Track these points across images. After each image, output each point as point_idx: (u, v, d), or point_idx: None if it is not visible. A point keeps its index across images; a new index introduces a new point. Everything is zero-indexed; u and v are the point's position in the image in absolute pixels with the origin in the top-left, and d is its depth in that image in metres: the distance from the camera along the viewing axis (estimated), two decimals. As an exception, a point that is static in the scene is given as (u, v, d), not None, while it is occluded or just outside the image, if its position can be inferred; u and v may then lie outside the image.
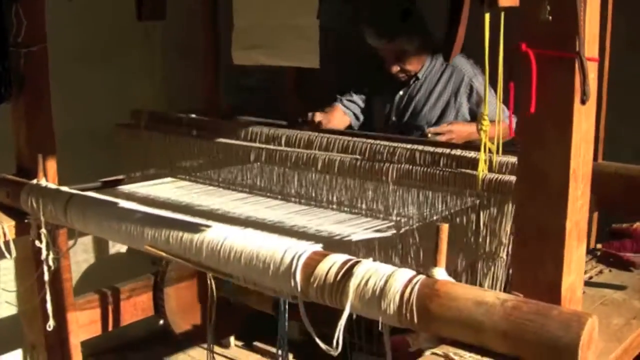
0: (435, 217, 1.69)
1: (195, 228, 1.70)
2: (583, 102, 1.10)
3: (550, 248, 1.21)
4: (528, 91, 1.16)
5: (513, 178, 1.53)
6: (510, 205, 1.54)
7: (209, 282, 2.66)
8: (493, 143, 1.55)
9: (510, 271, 1.58)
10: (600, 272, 1.68)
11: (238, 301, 2.94)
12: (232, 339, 3.61)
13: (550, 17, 1.12)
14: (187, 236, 1.70)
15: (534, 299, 1.22)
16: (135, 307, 2.88)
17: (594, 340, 1.16)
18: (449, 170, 1.64)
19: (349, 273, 1.39)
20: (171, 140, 2.32)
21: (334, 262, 1.44)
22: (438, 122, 2.78)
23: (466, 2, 1.16)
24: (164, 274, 2.91)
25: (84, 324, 2.67)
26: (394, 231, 1.71)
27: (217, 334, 3.32)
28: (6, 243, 2.25)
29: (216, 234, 1.66)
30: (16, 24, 2.25)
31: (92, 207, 2.00)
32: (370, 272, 1.38)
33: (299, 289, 1.47)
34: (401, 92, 2.91)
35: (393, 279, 1.34)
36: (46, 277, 2.25)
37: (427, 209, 1.71)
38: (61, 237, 2.36)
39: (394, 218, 1.77)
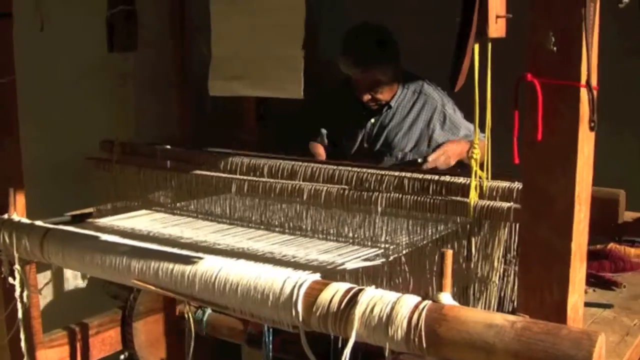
0: (426, 243, 1.72)
1: (186, 260, 1.69)
2: (592, 129, 1.15)
3: (556, 269, 1.25)
4: (534, 119, 1.20)
5: (504, 204, 1.57)
6: (503, 230, 1.58)
7: (186, 315, 2.63)
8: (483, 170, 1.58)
9: (503, 294, 1.61)
10: (585, 292, 1.73)
11: (209, 334, 2.90)
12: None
13: (555, 48, 1.17)
14: (178, 268, 1.69)
15: (540, 319, 1.25)
16: (104, 343, 2.81)
17: (602, 357, 1.20)
18: (440, 198, 1.67)
19: (353, 301, 1.41)
20: (146, 173, 2.29)
21: (336, 290, 1.45)
22: (413, 149, 2.84)
23: (472, 36, 1.20)
24: (132, 308, 2.85)
25: (53, 362, 2.59)
26: (384, 259, 1.73)
27: (186, 368, 3.27)
28: (-25, 281, 2.19)
29: (209, 266, 1.65)
30: (-18, 57, 2.21)
31: (71, 241, 1.96)
32: (375, 299, 1.39)
33: (301, 318, 1.47)
34: (372, 120, 2.96)
35: (399, 306, 1.36)
36: (20, 314, 2.19)
37: (416, 236, 1.74)
38: (31, 274, 2.30)
39: (383, 245, 1.79)
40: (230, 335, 2.88)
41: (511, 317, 1.26)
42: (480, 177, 1.58)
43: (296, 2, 1.84)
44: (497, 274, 1.60)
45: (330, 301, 1.44)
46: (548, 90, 1.19)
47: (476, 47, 1.35)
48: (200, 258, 1.68)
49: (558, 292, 1.25)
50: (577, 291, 1.28)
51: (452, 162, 2.72)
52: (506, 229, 1.58)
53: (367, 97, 2.87)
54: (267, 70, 1.92)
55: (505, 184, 1.60)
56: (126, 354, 3.63)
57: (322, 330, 1.47)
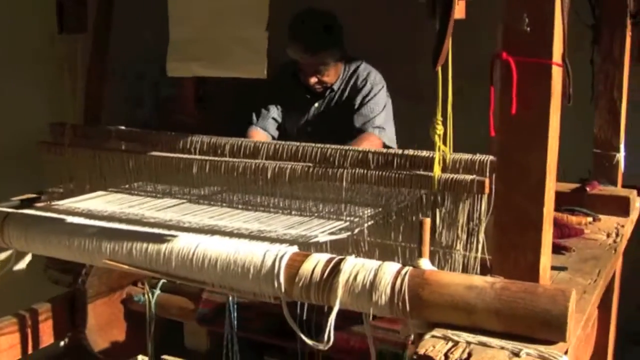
0: (391, 215, 1.80)
1: (160, 238, 1.71)
2: (569, 102, 1.26)
3: (530, 234, 1.35)
4: (508, 95, 1.30)
5: (467, 176, 1.66)
6: (466, 201, 1.67)
7: (145, 296, 2.64)
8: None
9: (466, 262, 1.71)
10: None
11: (159, 315, 2.91)
12: (139, 356, 3.54)
13: (529, 28, 1.26)
14: (152, 247, 1.71)
15: (514, 280, 1.36)
16: (55, 327, 2.78)
17: (574, 311, 1.31)
18: (404, 172, 1.75)
19: (336, 270, 1.47)
20: (101, 156, 2.27)
21: (317, 261, 1.51)
22: (350, 127, 2.91)
23: (451, 20, 1.28)
24: (81, 292, 2.83)
25: (4, 349, 2.55)
26: (350, 232, 1.79)
27: (134, 350, 3.28)
28: None
29: (186, 243, 1.68)
30: None
31: (35, 225, 1.94)
32: (358, 267, 1.47)
33: (283, 289, 1.53)
34: (316, 104, 3.02)
35: (382, 272, 1.43)
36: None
37: (381, 209, 1.82)
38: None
39: (349, 219, 1.86)
40: (180, 315, 2.90)
41: (490, 279, 1.36)
42: (443, 151, 1.67)
43: (259, -16, 1.88)
44: (461, 242, 1.69)
45: (313, 271, 1.50)
46: (522, 67, 1.29)
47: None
48: (174, 236, 1.71)
49: (531, 254, 1.36)
50: (547, 253, 1.39)
51: None
52: (468, 200, 1.67)
53: (313, 80, 2.92)
54: (231, 51, 1.95)
55: (467, 157, 1.69)
56: (66, 340, 3.62)
57: (304, 300, 1.54)
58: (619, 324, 2.72)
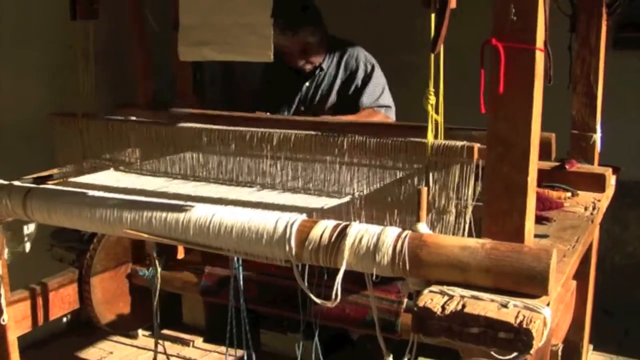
0: (388, 182, 1.97)
1: (178, 208, 1.87)
2: (550, 82, 1.43)
3: (516, 200, 1.52)
4: (496, 76, 1.47)
5: (458, 142, 1.84)
6: (456, 165, 1.84)
7: (156, 270, 2.78)
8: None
9: (457, 227, 1.89)
10: (522, 226, 2.03)
11: (162, 289, 3.06)
12: (139, 330, 3.70)
13: (515, 17, 1.43)
14: (171, 216, 1.86)
15: (502, 241, 1.53)
16: (63, 301, 2.93)
17: (555, 269, 1.49)
18: (400, 139, 1.92)
19: (342, 234, 1.64)
20: (114, 126, 2.41)
21: (325, 226, 1.68)
22: (347, 103, 3.08)
23: (449, 5, 1.44)
24: (89, 267, 2.98)
25: (17, 320, 2.69)
26: (355, 196, 1.96)
27: (138, 323, 3.43)
28: (-50, 241, 2.27)
29: (203, 212, 1.83)
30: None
31: (57, 198, 2.08)
32: (362, 231, 1.63)
33: (294, 253, 1.69)
34: (307, 83, 3.18)
35: (384, 236, 1.60)
36: (1, 271, 2.30)
37: (379, 177, 1.98)
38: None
39: (349, 189, 2.03)
40: (183, 289, 3.07)
41: (481, 240, 1.54)
42: (436, 120, 1.83)
43: (263, -27, 2.03)
44: (453, 203, 1.87)
45: (321, 236, 1.66)
46: (509, 52, 1.45)
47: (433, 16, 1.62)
48: (191, 206, 1.87)
49: (517, 218, 1.53)
50: (530, 218, 1.57)
51: None
52: (459, 165, 1.85)
53: (301, 61, 3.09)
54: (238, 36, 2.09)
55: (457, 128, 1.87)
56: (69, 316, 3.77)
57: (312, 262, 1.70)
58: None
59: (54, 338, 3.65)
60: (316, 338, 2.56)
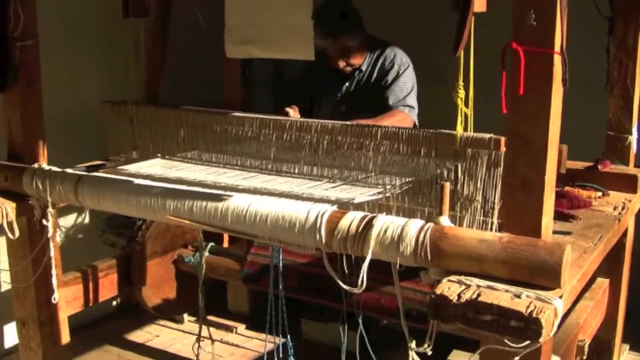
0: (418, 177, 2.06)
1: (217, 197, 1.99)
2: (564, 85, 1.50)
3: (533, 196, 1.59)
4: (517, 78, 1.54)
5: (485, 135, 1.92)
6: (484, 157, 1.92)
7: (201, 257, 2.92)
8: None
9: (483, 220, 1.97)
10: (548, 223, 2.10)
11: (207, 275, 3.20)
12: (185, 315, 3.85)
13: (535, 23, 1.51)
14: (211, 205, 1.98)
15: (520, 235, 1.61)
16: (112, 284, 3.10)
17: (569, 264, 1.56)
18: (431, 130, 2.01)
19: (369, 225, 1.73)
20: (162, 113, 2.56)
21: (353, 217, 1.78)
22: (379, 103, 3.17)
23: (471, 11, 1.52)
24: (138, 252, 3.14)
25: (68, 300, 2.86)
26: (386, 194, 2.06)
27: (182, 308, 3.59)
28: (9, 224, 2.43)
29: (240, 201, 1.95)
30: (14, 19, 2.43)
31: (106, 185, 2.23)
32: (387, 223, 1.72)
33: (324, 241, 1.80)
34: (347, 84, 3.29)
35: (408, 227, 1.69)
36: (52, 253, 2.46)
37: (410, 172, 2.08)
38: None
39: (381, 185, 2.12)
40: (227, 275, 3.20)
41: (498, 234, 1.61)
42: (465, 113, 1.90)
43: (305, -22, 2.14)
44: (480, 192, 1.95)
45: (349, 226, 1.76)
46: (529, 55, 1.53)
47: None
48: (229, 196, 1.99)
49: (535, 213, 1.60)
50: (548, 214, 1.63)
51: None
52: (486, 157, 1.92)
53: (342, 63, 3.19)
54: (281, 35, 2.21)
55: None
56: (118, 300, 3.94)
57: (341, 250, 1.80)
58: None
59: (104, 320, 3.82)
60: (360, 326, 2.64)
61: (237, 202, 1.95)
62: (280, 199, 1.96)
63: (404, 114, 3.10)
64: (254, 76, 3.73)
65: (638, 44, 2.61)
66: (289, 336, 2.89)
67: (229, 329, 3.80)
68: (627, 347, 3.29)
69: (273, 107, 4.00)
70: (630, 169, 2.63)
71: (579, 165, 2.59)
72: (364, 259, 1.73)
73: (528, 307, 1.46)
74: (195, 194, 2.04)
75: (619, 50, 2.63)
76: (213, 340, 3.19)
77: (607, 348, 2.87)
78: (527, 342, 1.49)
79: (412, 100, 3.16)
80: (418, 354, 1.79)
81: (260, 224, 1.90)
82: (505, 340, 1.51)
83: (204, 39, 3.22)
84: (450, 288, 1.57)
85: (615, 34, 2.62)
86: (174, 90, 3.35)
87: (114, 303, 3.94)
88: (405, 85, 3.15)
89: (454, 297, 1.54)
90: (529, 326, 1.44)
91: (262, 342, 3.63)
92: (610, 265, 2.68)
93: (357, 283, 1.77)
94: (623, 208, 2.33)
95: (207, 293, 3.47)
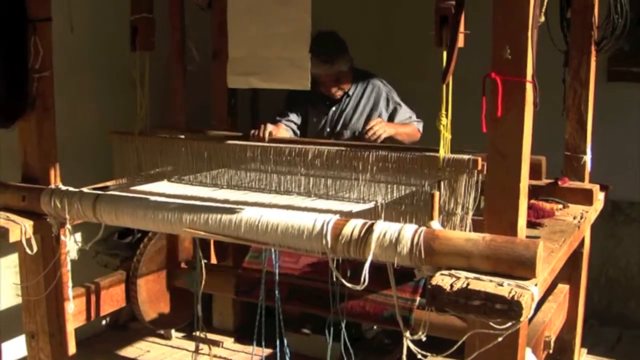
0: (406, 191, 2.35)
1: (231, 211, 2.24)
2: (536, 107, 1.80)
3: (510, 200, 1.89)
4: (495, 102, 1.84)
5: (465, 156, 2.22)
6: (463, 175, 2.22)
7: (200, 269, 3.15)
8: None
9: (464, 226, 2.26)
10: (519, 229, 2.40)
11: (203, 291, 3.42)
12: (172, 331, 4.05)
13: (510, 56, 1.81)
14: (225, 217, 2.23)
15: (499, 234, 1.90)
16: (112, 299, 3.30)
17: (542, 256, 1.85)
18: (417, 153, 2.31)
19: (369, 230, 2.00)
20: (167, 142, 2.80)
21: (355, 224, 2.04)
22: (363, 128, 3.50)
23: (456, 49, 1.83)
24: (135, 269, 3.35)
25: (74, 314, 3.05)
26: (378, 203, 2.34)
27: (176, 321, 3.79)
28: (27, 240, 2.64)
29: (252, 214, 2.20)
30: (34, 53, 2.67)
31: (124, 202, 2.46)
32: (385, 228, 2.00)
33: (330, 246, 2.06)
34: (334, 108, 3.63)
35: (404, 231, 1.96)
36: (69, 266, 2.67)
37: (398, 188, 2.36)
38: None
39: (375, 194, 2.40)
40: (220, 289, 3.44)
41: (482, 234, 1.90)
42: (445, 137, 2.20)
43: (303, 15, 2.43)
44: (460, 206, 2.24)
45: (352, 232, 2.03)
46: (505, 84, 1.83)
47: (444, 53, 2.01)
48: (242, 208, 2.24)
49: (512, 216, 1.89)
50: (522, 217, 1.93)
51: (388, 131, 3.42)
52: (465, 175, 2.22)
53: (334, 89, 3.55)
54: (280, 67, 2.48)
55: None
56: (108, 319, 4.12)
57: (345, 254, 2.06)
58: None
59: (95, 337, 3.99)
60: (343, 330, 2.90)
61: (249, 214, 2.20)
62: (287, 210, 2.22)
63: (414, 127, 3.48)
64: (238, 105, 4.00)
65: (590, 74, 2.95)
66: (286, 344, 3.13)
67: (215, 343, 4.00)
68: (585, 350, 3.61)
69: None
70: (586, 185, 2.96)
71: (542, 182, 2.92)
72: (356, 269, 1.99)
73: (510, 292, 1.75)
74: (210, 208, 2.29)
75: (574, 80, 2.97)
76: (210, 348, 3.38)
77: (568, 348, 3.18)
78: (510, 323, 1.77)
79: (414, 116, 3.52)
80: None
81: (272, 233, 2.15)
82: (491, 323, 1.79)
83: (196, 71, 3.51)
84: (443, 280, 1.84)
85: (570, 66, 2.96)
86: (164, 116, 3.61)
87: (104, 322, 4.12)
88: (405, 109, 3.52)
89: (447, 287, 1.81)
90: (511, 308, 1.72)
91: (249, 354, 3.86)
92: (570, 272, 3.01)
93: (349, 292, 2.02)
94: (581, 217, 2.65)
95: (194, 309, 3.69)
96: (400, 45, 4.65)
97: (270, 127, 3.17)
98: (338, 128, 3.64)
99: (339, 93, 3.63)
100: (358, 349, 3.71)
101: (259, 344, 3.30)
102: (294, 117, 3.71)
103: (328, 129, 3.65)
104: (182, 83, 3.38)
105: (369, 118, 3.61)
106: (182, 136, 2.87)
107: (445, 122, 2.14)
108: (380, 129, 3.39)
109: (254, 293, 3.24)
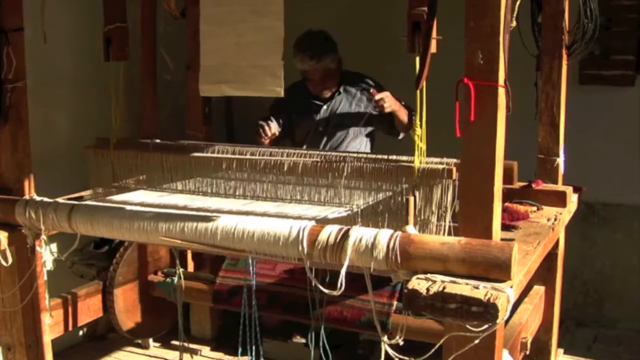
0: (381, 198, 2.36)
1: (207, 218, 2.23)
2: (508, 112, 1.82)
3: (485, 205, 1.90)
4: (469, 107, 1.86)
5: (439, 165, 2.24)
6: (438, 184, 2.24)
7: (179, 279, 3.14)
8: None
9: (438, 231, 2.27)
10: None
11: (174, 299, 3.41)
12: (150, 340, 4.03)
13: (482, 61, 1.83)
14: (201, 225, 2.22)
15: (475, 238, 1.91)
16: (89, 309, 3.28)
17: (517, 258, 1.87)
18: (392, 164, 2.32)
19: (345, 235, 2.01)
20: (143, 156, 2.79)
21: (331, 230, 2.05)
22: (355, 122, 3.64)
23: (429, 54, 1.85)
24: (112, 279, 3.33)
25: (51, 325, 3.02)
26: (350, 211, 2.35)
27: (154, 331, 3.77)
28: (2, 252, 2.61)
29: (227, 221, 2.20)
30: (7, 63, 2.65)
31: (99, 212, 2.44)
32: (361, 233, 2.01)
33: (306, 252, 2.06)
34: (325, 106, 3.67)
35: (380, 236, 1.98)
36: (45, 277, 2.65)
37: (373, 194, 2.38)
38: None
39: (348, 202, 2.42)
40: (199, 298, 3.43)
41: (457, 238, 1.92)
42: (420, 147, 2.23)
43: (275, 24, 2.44)
44: (434, 215, 2.26)
45: (328, 238, 2.03)
46: (478, 88, 1.85)
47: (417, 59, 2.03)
48: (217, 216, 2.24)
49: (486, 220, 1.91)
50: (497, 220, 1.95)
51: (393, 105, 3.48)
52: (440, 184, 2.24)
53: (321, 87, 3.64)
54: (254, 75, 2.48)
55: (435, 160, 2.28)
56: (84, 329, 4.09)
57: (321, 260, 2.07)
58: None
59: (72, 349, 3.96)
60: (323, 336, 2.90)
61: (225, 222, 2.20)
62: (263, 217, 2.22)
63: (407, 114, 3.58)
64: (212, 113, 4.00)
65: (561, 78, 2.99)
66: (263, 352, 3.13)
67: (193, 351, 3.99)
68: (561, 350, 3.64)
69: (226, 137, 4.53)
70: (560, 187, 2.99)
71: (516, 185, 2.95)
72: (334, 275, 2.00)
73: (486, 295, 1.76)
74: (186, 216, 2.28)
75: (545, 84, 3.01)
76: (192, 356, 3.37)
77: (545, 349, 3.20)
78: (486, 326, 1.78)
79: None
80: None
81: (248, 240, 2.15)
82: (467, 326, 1.80)
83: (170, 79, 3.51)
84: (419, 284, 1.85)
85: (541, 70, 3.00)
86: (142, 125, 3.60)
87: (80, 333, 4.09)
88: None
89: (423, 291, 1.82)
90: (487, 310, 1.74)
91: (227, 363, 3.86)
92: (545, 274, 3.04)
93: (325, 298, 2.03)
94: (555, 219, 2.68)
95: (171, 318, 3.68)
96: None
97: (272, 125, 3.23)
98: (330, 125, 3.70)
99: (327, 93, 3.68)
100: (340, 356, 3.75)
101: (237, 352, 3.30)
102: (279, 120, 3.74)
103: (320, 128, 3.70)
104: (154, 92, 3.37)
105: (362, 117, 3.65)
106: (157, 149, 2.86)
107: (419, 132, 2.17)
108: (389, 101, 3.45)
109: (232, 300, 3.23)
